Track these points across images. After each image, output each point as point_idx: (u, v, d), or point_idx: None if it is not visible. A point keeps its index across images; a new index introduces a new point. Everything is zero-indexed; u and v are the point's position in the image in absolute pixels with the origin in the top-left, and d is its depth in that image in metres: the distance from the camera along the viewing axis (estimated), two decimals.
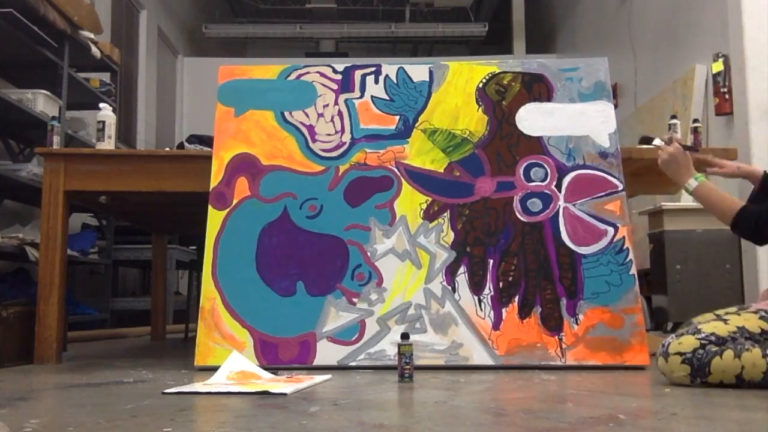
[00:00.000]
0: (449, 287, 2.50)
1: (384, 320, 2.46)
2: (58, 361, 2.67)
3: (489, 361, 2.36)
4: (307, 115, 2.75)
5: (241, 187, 2.63)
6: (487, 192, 2.62)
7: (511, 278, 2.51)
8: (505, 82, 2.79)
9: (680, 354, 1.80)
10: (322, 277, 2.52)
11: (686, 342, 1.81)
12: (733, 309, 1.93)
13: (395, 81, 2.80)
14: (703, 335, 1.81)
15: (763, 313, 1.85)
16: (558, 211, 2.59)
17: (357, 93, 2.79)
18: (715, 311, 1.95)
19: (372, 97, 2.78)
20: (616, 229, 2.57)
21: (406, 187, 2.63)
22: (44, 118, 3.64)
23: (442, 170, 2.64)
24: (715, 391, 1.75)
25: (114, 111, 3.16)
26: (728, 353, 1.76)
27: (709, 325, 1.85)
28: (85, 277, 5.21)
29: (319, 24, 9.60)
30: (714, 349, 1.78)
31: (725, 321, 1.85)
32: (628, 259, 2.53)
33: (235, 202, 2.61)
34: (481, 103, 2.75)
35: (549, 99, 2.75)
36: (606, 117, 2.74)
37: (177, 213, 3.70)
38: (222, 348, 2.40)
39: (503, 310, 2.46)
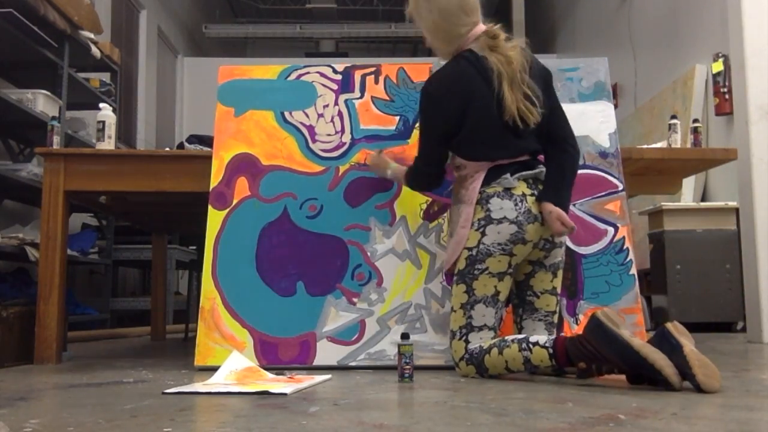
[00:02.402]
0: (449, 287, 2.50)
1: (384, 320, 2.46)
2: (58, 361, 2.67)
3: None
4: (307, 116, 2.75)
5: (241, 187, 2.63)
6: None
7: None
8: None
9: (461, 359, 2.10)
10: (322, 277, 2.52)
11: (456, 347, 2.12)
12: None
13: (395, 81, 2.80)
14: (458, 334, 2.12)
15: (455, 277, 2.16)
16: None
17: (357, 93, 2.79)
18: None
19: (372, 97, 2.78)
20: (616, 229, 2.57)
21: (406, 188, 2.62)
22: (44, 118, 3.65)
23: None
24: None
25: (114, 111, 3.16)
26: (494, 350, 2.03)
27: (452, 322, 2.16)
28: (85, 277, 5.22)
29: (319, 24, 9.60)
30: (484, 347, 2.06)
31: (452, 310, 2.17)
32: (628, 259, 2.53)
33: (235, 202, 2.61)
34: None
35: None
36: (606, 117, 2.74)
37: (177, 213, 3.70)
38: (222, 348, 2.40)
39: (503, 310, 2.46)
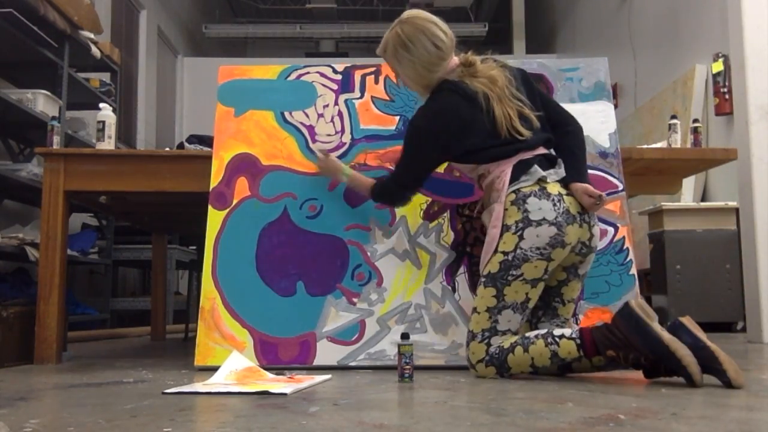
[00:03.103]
0: (449, 287, 2.50)
1: (384, 320, 2.46)
2: (58, 361, 2.67)
3: None
4: (307, 116, 2.75)
5: (241, 187, 2.63)
6: None
7: None
8: None
9: (480, 360, 2.06)
10: (322, 277, 2.52)
11: (475, 349, 2.07)
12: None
13: (395, 81, 2.79)
14: (479, 336, 2.07)
15: (484, 279, 2.10)
16: None
17: (357, 93, 2.79)
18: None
19: (372, 97, 2.78)
20: (616, 229, 2.57)
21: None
22: (44, 118, 3.65)
23: (442, 170, 2.64)
24: (716, 390, 1.75)
25: (114, 111, 3.16)
26: (519, 349, 2.01)
27: (473, 324, 2.10)
28: (85, 277, 5.22)
29: (319, 24, 9.60)
30: (501, 342, 2.04)
31: (475, 310, 2.10)
32: (628, 259, 2.53)
33: (235, 202, 2.61)
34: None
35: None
36: (606, 117, 2.74)
37: (177, 213, 3.70)
38: (222, 348, 2.40)
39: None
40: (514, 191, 2.08)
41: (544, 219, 2.03)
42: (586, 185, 2.11)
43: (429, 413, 1.46)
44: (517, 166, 2.11)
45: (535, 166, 2.10)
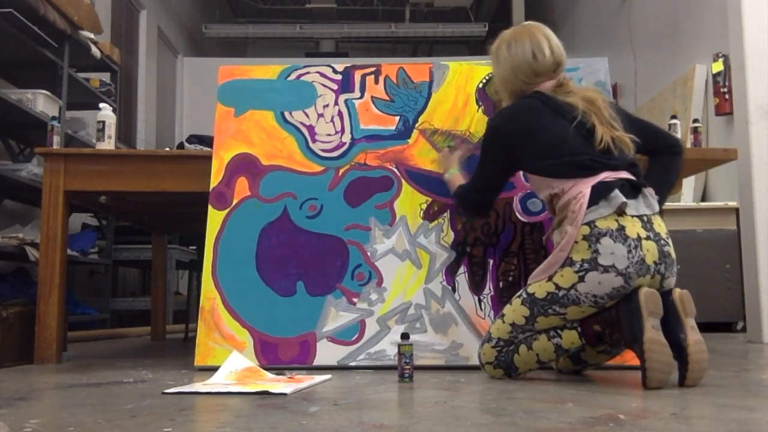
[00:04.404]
0: (449, 287, 2.50)
1: (384, 320, 2.46)
2: (58, 361, 2.67)
3: None
4: (307, 116, 2.75)
5: (241, 187, 2.63)
6: None
7: (511, 278, 2.51)
8: None
9: (489, 363, 2.05)
10: (322, 277, 2.52)
11: (487, 352, 2.05)
12: (518, 293, 2.09)
13: (395, 81, 2.80)
14: (494, 342, 2.04)
15: (525, 295, 2.02)
16: None
17: (357, 93, 2.79)
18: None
19: (372, 97, 2.78)
20: None
21: (406, 188, 2.63)
22: (44, 118, 3.65)
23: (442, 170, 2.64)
24: (716, 390, 1.75)
25: (114, 111, 3.16)
26: (522, 348, 2.00)
27: (495, 328, 2.06)
28: (85, 277, 5.21)
29: (319, 24, 9.60)
30: (510, 348, 2.02)
31: (503, 317, 2.05)
32: None
33: (235, 202, 2.61)
34: (481, 104, 2.75)
35: None
36: None
37: (177, 213, 3.70)
38: (222, 348, 2.40)
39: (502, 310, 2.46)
40: (589, 224, 1.89)
41: (613, 266, 1.86)
42: None
43: (429, 413, 1.46)
44: (596, 188, 1.93)
45: (617, 191, 1.91)
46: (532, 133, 2.06)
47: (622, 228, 1.88)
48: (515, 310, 2.02)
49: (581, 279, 1.89)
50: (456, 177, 2.42)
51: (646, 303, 1.81)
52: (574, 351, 2.02)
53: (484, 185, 2.23)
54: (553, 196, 2.03)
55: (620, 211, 1.89)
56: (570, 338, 1.97)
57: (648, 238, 1.90)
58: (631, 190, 1.95)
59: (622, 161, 2.00)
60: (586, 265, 1.88)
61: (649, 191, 1.99)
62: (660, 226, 1.96)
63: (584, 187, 1.94)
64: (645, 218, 1.93)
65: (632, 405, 1.52)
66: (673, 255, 1.97)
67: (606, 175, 1.95)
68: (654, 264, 1.89)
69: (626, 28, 6.74)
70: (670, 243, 1.98)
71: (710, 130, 5.09)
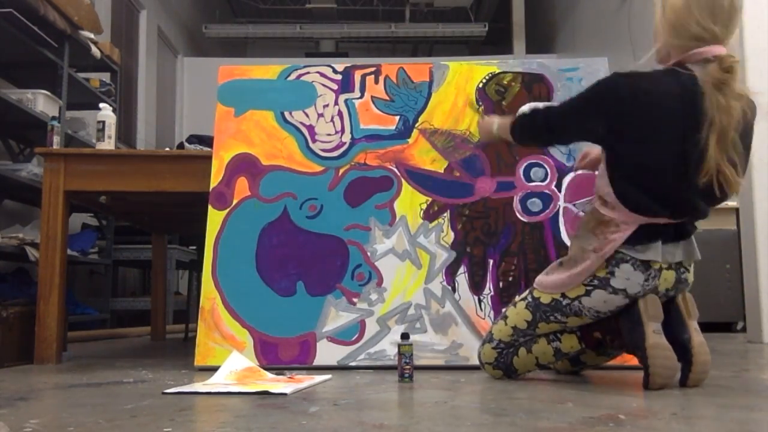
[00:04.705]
0: (449, 287, 2.50)
1: (384, 320, 2.46)
2: (58, 361, 2.67)
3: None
4: (307, 115, 2.75)
5: (241, 187, 2.63)
6: (487, 192, 2.62)
7: (511, 278, 2.51)
8: (505, 82, 2.79)
9: (489, 363, 2.05)
10: (322, 277, 2.52)
11: (487, 353, 2.05)
12: (522, 294, 2.05)
13: (395, 81, 2.80)
14: (495, 343, 2.03)
15: (530, 299, 1.98)
16: (558, 211, 2.59)
17: (357, 93, 2.79)
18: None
19: (372, 97, 2.78)
20: None
21: (406, 187, 2.63)
22: (44, 118, 3.64)
23: (442, 170, 2.64)
24: (716, 390, 1.75)
25: (114, 111, 3.16)
26: (522, 350, 2.00)
27: (496, 329, 2.04)
28: (85, 277, 5.21)
29: (319, 24, 9.60)
30: (510, 350, 2.01)
31: (505, 319, 2.03)
32: None
33: (235, 202, 2.61)
34: (481, 103, 2.75)
35: (549, 99, 2.75)
36: None
37: (177, 213, 3.70)
38: (222, 348, 2.40)
39: (503, 310, 2.46)
40: (618, 252, 1.79)
41: (624, 290, 1.80)
42: None
43: (429, 413, 1.46)
44: (642, 229, 1.77)
45: (659, 242, 1.77)
46: (641, 128, 1.73)
47: (647, 261, 1.78)
48: (518, 313, 2.01)
49: (587, 293, 1.85)
50: (505, 121, 2.10)
51: (645, 309, 1.79)
52: (574, 354, 2.02)
53: (559, 126, 1.91)
54: (604, 200, 1.84)
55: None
56: (570, 342, 1.97)
57: (669, 268, 1.81)
58: (675, 234, 1.80)
59: (695, 207, 1.78)
60: (596, 282, 1.83)
61: (693, 236, 1.83)
62: (690, 266, 1.86)
63: (631, 225, 1.77)
64: (676, 264, 1.82)
65: (632, 405, 1.52)
66: (691, 279, 1.86)
67: (661, 220, 1.77)
68: (666, 290, 1.84)
69: (626, 28, 6.74)
70: (691, 269, 1.86)
71: None
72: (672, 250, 1.80)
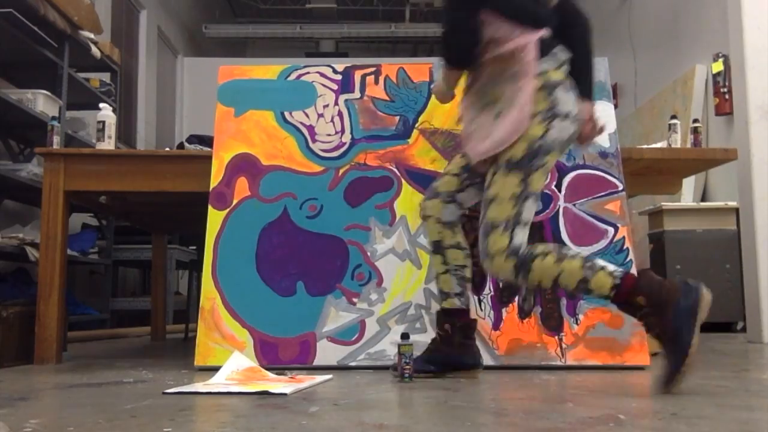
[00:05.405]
0: None
1: (384, 320, 2.46)
2: (58, 361, 2.67)
3: (489, 361, 2.35)
4: (307, 116, 2.75)
5: (241, 187, 2.63)
6: None
7: None
8: None
9: (501, 252, 1.85)
10: (322, 277, 2.52)
11: (497, 241, 1.87)
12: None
13: (395, 81, 2.80)
14: (502, 226, 1.87)
15: (504, 166, 1.89)
16: (558, 211, 2.59)
17: (357, 93, 2.79)
18: None
19: (372, 97, 2.78)
20: (616, 229, 2.57)
21: (406, 187, 2.63)
22: (44, 118, 3.64)
23: (442, 170, 2.64)
24: (716, 390, 1.75)
25: (114, 111, 3.16)
26: (549, 258, 1.82)
27: (492, 214, 1.88)
28: (85, 277, 5.21)
29: (319, 24, 9.60)
30: (535, 251, 1.84)
31: (495, 200, 1.89)
32: (628, 259, 2.53)
33: (235, 202, 2.61)
34: None
35: None
36: (606, 117, 2.73)
37: (177, 213, 3.70)
38: (222, 348, 2.40)
39: (503, 310, 2.47)
40: (541, 74, 1.87)
41: (569, 114, 1.88)
42: (593, 109, 1.99)
43: (429, 413, 1.46)
44: (539, 43, 1.89)
45: (556, 49, 1.92)
46: None
47: (571, 79, 1.92)
48: (504, 184, 1.88)
49: (549, 128, 1.86)
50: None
51: (700, 303, 1.78)
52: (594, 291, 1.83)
53: (453, 18, 1.95)
54: (492, 40, 1.92)
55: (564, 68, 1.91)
56: (601, 282, 1.80)
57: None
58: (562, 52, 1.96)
59: (551, 17, 1.97)
60: (549, 114, 1.86)
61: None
62: None
63: (531, 40, 1.88)
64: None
65: (632, 405, 1.52)
66: None
67: (545, 32, 1.91)
68: None
69: (626, 28, 6.74)
70: None
71: (710, 130, 5.10)
72: (564, 63, 1.94)
